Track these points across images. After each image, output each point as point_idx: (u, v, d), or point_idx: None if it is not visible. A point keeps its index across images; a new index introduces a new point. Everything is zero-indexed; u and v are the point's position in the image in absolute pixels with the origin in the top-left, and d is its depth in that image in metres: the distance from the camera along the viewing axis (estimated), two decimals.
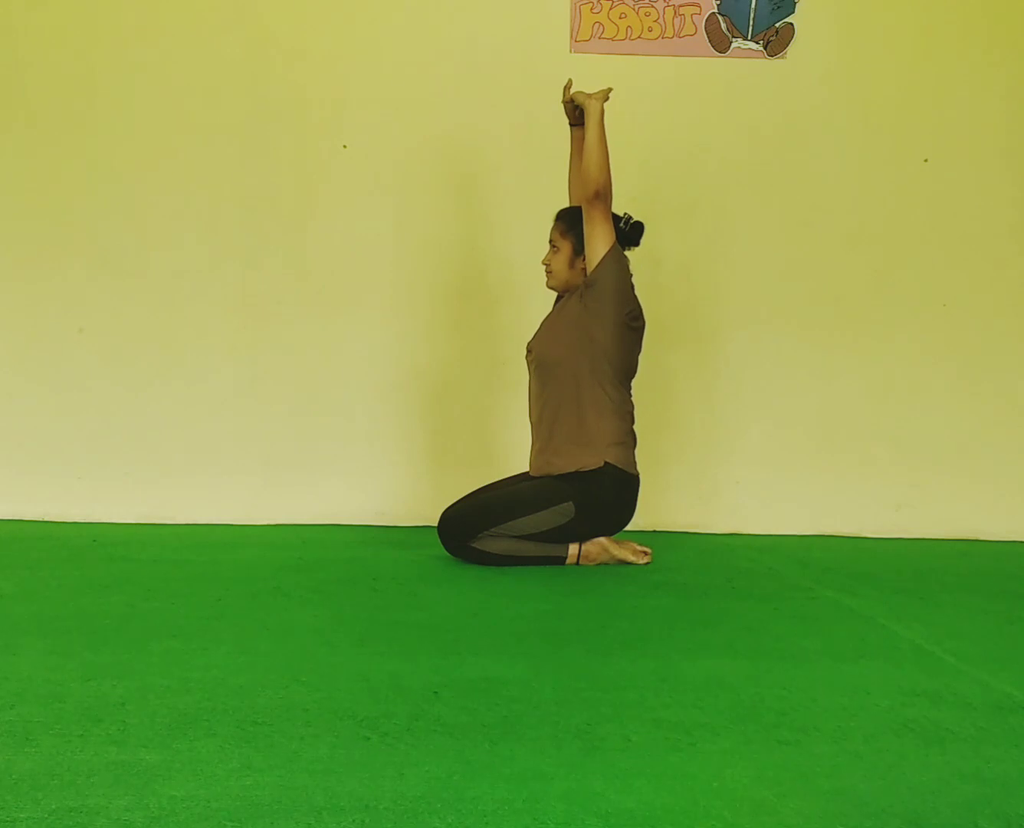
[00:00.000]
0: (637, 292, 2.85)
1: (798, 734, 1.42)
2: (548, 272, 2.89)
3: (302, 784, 1.19)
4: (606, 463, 2.73)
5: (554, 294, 2.96)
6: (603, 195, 2.72)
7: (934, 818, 1.15)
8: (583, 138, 2.81)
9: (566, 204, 2.97)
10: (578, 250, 2.81)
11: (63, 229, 3.46)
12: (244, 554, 2.88)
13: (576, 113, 2.88)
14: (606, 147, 2.75)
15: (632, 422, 2.84)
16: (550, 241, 2.88)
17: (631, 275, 2.81)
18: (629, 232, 2.84)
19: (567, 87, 2.88)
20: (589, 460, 2.73)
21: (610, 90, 2.83)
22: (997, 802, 1.20)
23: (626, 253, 2.85)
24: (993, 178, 3.55)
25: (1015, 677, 1.75)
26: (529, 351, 2.91)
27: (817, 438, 3.55)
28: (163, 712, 1.44)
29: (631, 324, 2.79)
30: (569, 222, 2.84)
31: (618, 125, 3.50)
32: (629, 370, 2.83)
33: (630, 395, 2.86)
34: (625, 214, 2.84)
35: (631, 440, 2.82)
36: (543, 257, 2.89)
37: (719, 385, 3.56)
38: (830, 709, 1.54)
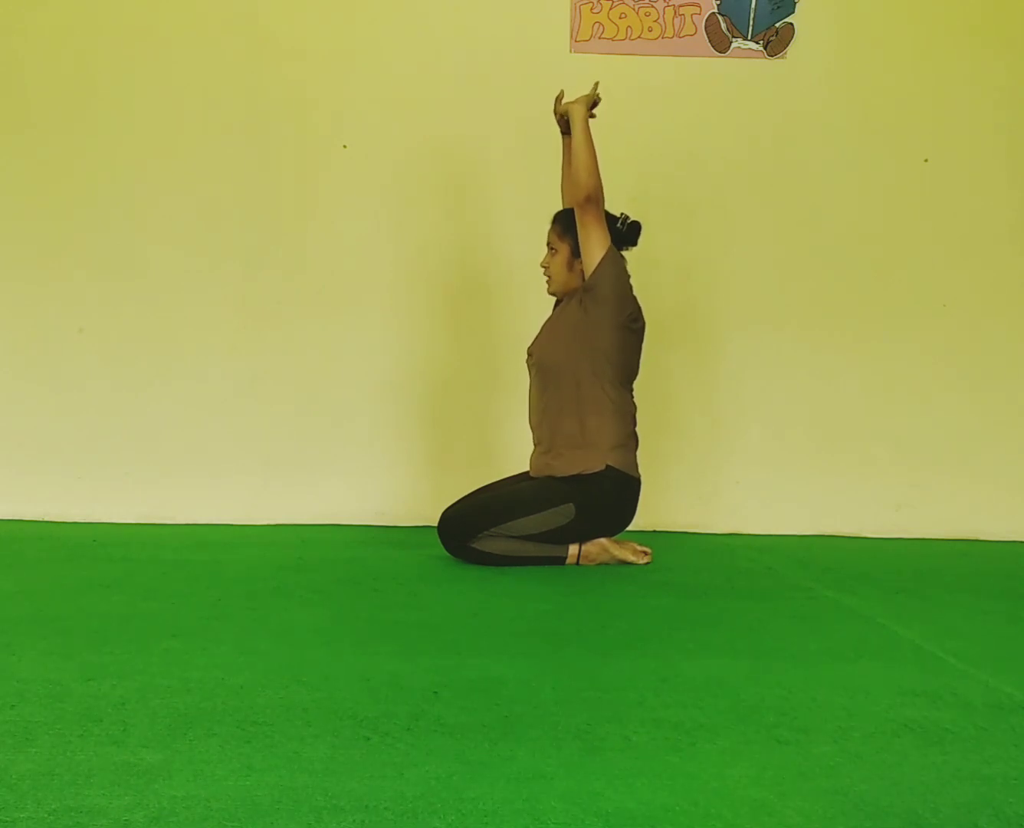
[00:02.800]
0: (637, 293, 2.85)
1: (798, 734, 1.42)
2: (547, 278, 2.87)
3: (302, 784, 1.19)
4: (607, 466, 2.72)
5: (552, 298, 2.94)
6: (594, 199, 2.71)
7: (934, 818, 1.15)
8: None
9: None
10: (576, 252, 2.79)
11: (63, 229, 3.46)
12: (244, 554, 2.88)
13: (566, 122, 2.87)
14: (593, 151, 2.74)
15: (634, 424, 2.84)
16: (548, 244, 2.86)
17: (629, 276, 2.81)
18: (626, 232, 2.83)
19: (558, 99, 2.87)
20: (590, 463, 2.72)
21: (596, 92, 2.81)
22: (997, 802, 1.20)
23: (623, 253, 2.84)
24: (993, 178, 3.55)
25: (1015, 677, 1.75)
26: (529, 355, 2.91)
27: (817, 438, 3.55)
28: (163, 712, 1.44)
29: (631, 326, 2.79)
30: (566, 224, 2.82)
31: (618, 125, 3.51)
32: (630, 372, 2.83)
33: (632, 396, 2.85)
34: (622, 214, 2.83)
35: (633, 442, 2.82)
36: (541, 259, 2.88)
37: (719, 385, 3.56)
38: (830, 709, 1.54)
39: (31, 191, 3.46)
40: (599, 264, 2.71)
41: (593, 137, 2.76)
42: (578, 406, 2.75)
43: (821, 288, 3.56)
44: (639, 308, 2.81)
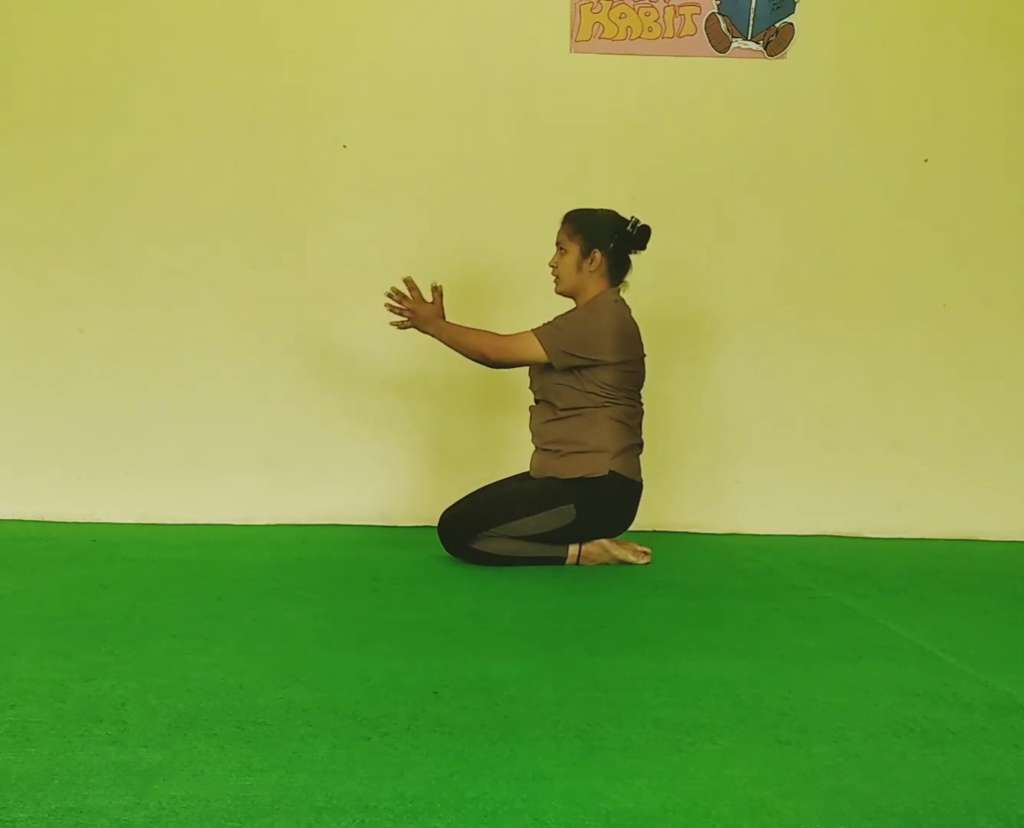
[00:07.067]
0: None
1: (798, 734, 1.42)
2: (555, 277, 2.85)
3: (302, 784, 1.19)
4: (611, 471, 2.72)
5: (557, 298, 2.92)
6: (492, 357, 2.77)
7: (934, 818, 1.15)
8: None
9: (565, 205, 2.93)
10: (585, 252, 2.78)
11: (63, 229, 3.46)
12: (244, 554, 2.88)
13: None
14: (464, 341, 2.80)
15: (639, 429, 2.83)
16: (557, 243, 2.84)
17: (616, 328, 2.76)
18: (636, 236, 2.80)
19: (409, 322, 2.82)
20: (593, 467, 2.72)
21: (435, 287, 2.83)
22: (997, 802, 1.20)
23: (631, 256, 2.83)
24: (993, 178, 3.55)
25: (1015, 677, 1.75)
26: (531, 378, 2.91)
27: (817, 438, 3.55)
28: (163, 712, 1.44)
29: (625, 367, 2.77)
30: (577, 223, 2.80)
31: (618, 125, 3.52)
32: (634, 386, 2.82)
33: (638, 402, 2.84)
34: (633, 217, 2.82)
35: (637, 448, 2.82)
36: (550, 259, 2.86)
37: (719, 385, 3.56)
38: (830, 709, 1.54)
39: (31, 191, 3.46)
40: (544, 350, 2.72)
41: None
42: (582, 418, 2.74)
43: (821, 288, 3.55)
44: (637, 352, 2.80)
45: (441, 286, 2.85)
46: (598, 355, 2.72)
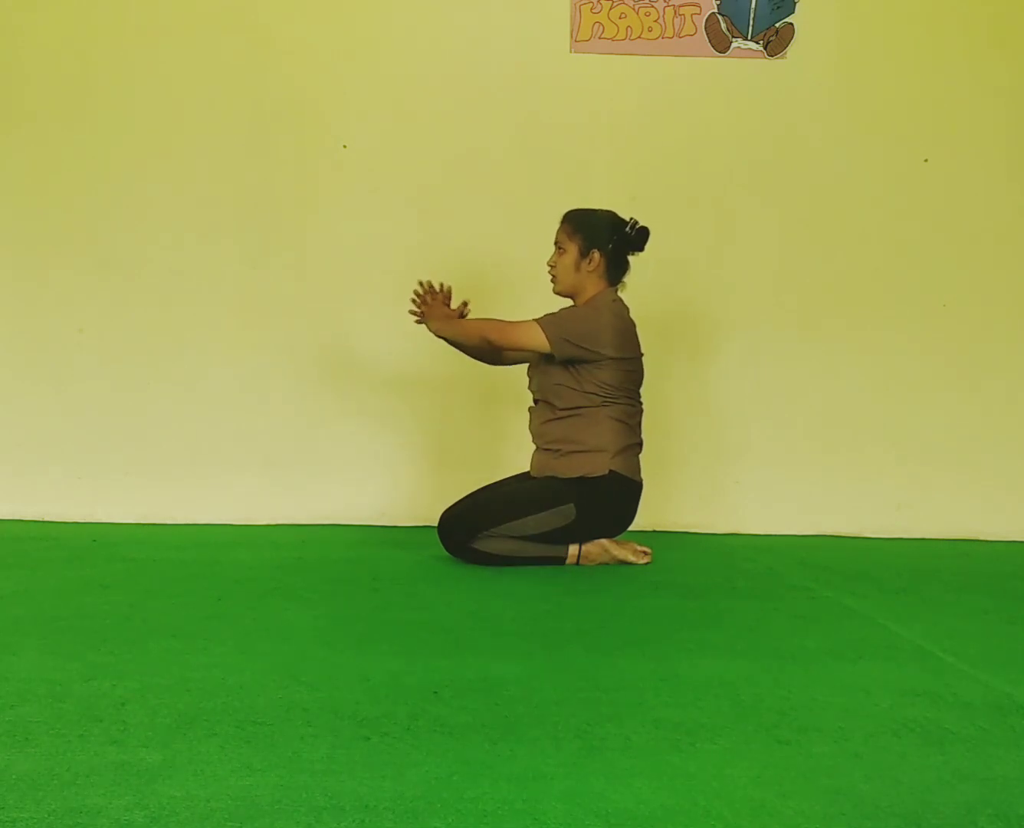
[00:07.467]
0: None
1: (798, 734, 1.42)
2: (553, 277, 2.86)
3: (302, 784, 1.19)
4: (611, 471, 2.72)
5: (555, 297, 2.93)
6: (494, 339, 2.79)
7: (934, 818, 1.15)
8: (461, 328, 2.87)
9: (565, 204, 2.93)
10: (584, 252, 2.79)
11: (63, 229, 3.46)
12: (244, 554, 2.88)
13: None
14: (467, 335, 2.85)
15: (639, 429, 2.83)
16: (555, 242, 2.85)
17: (615, 325, 2.77)
18: (634, 237, 2.81)
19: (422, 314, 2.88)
20: (593, 467, 2.72)
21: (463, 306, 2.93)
22: (997, 802, 1.20)
23: (629, 258, 2.83)
24: (993, 178, 3.55)
25: (1015, 677, 1.75)
26: (530, 378, 2.91)
27: (817, 438, 3.55)
28: (163, 712, 1.44)
29: (626, 368, 2.78)
30: (576, 223, 2.81)
31: (618, 125, 3.52)
32: (633, 384, 2.82)
33: (639, 401, 2.84)
34: (632, 219, 2.82)
35: (637, 447, 2.82)
36: (548, 258, 2.87)
37: (719, 385, 3.56)
38: (830, 709, 1.54)
39: (31, 191, 3.46)
40: (546, 338, 2.72)
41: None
42: (581, 417, 2.75)
43: (821, 288, 3.55)
44: (634, 350, 2.80)
45: (468, 304, 2.93)
46: (599, 348, 2.72)
